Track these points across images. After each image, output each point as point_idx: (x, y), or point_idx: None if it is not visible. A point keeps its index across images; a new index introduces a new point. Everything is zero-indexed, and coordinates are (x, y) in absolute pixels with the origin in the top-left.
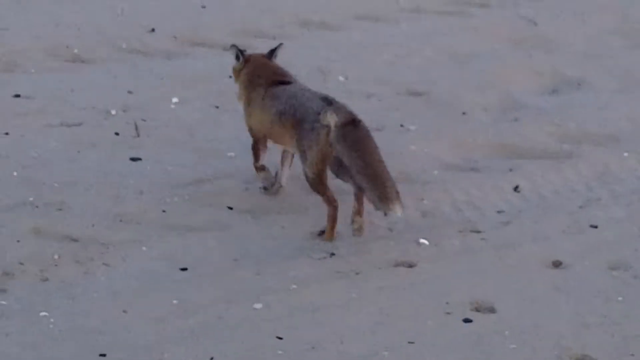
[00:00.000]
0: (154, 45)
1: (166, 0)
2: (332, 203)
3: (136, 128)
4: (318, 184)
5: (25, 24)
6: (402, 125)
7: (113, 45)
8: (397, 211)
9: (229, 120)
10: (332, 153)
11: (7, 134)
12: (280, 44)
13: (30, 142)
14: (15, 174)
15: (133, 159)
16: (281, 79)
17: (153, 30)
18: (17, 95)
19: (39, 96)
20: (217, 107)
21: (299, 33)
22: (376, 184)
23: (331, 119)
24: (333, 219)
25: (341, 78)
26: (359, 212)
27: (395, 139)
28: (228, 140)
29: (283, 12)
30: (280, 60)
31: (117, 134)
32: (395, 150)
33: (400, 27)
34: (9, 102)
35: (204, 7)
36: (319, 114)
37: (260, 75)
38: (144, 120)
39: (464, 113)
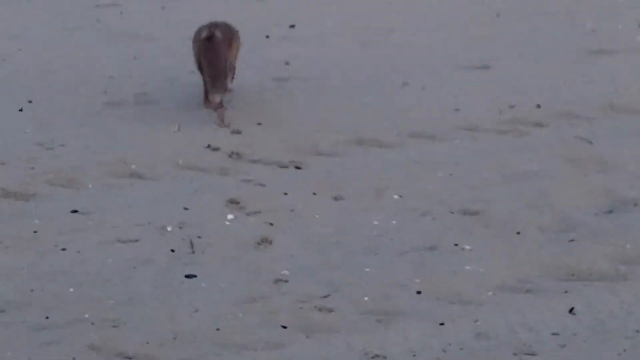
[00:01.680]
0: (210, 162)
1: (228, 117)
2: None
3: (191, 245)
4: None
5: (84, 140)
6: (456, 245)
7: (170, 161)
8: (216, 99)
9: (283, 238)
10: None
11: (64, 249)
12: None
13: (87, 258)
14: (71, 289)
15: (188, 276)
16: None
17: (209, 146)
18: (75, 211)
19: (96, 212)
20: (272, 224)
21: (353, 150)
22: (209, 81)
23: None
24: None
25: (395, 196)
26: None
27: (449, 259)
28: (281, 258)
29: (338, 129)
30: (333, 177)
31: (172, 250)
32: (449, 269)
33: (455, 145)
34: (67, 218)
35: (259, 124)
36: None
37: None
38: (199, 237)
39: (518, 233)
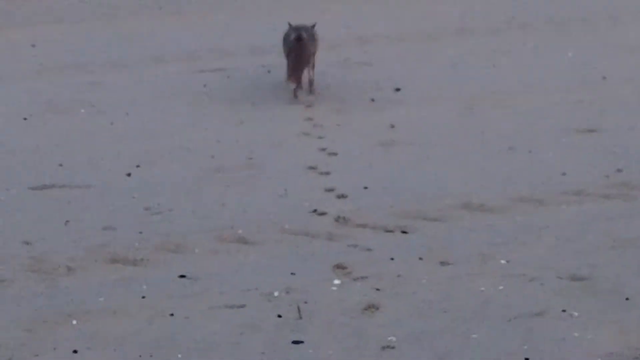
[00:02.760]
0: (316, 227)
1: (330, 182)
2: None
3: (299, 310)
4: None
5: (191, 205)
6: (564, 311)
7: (276, 226)
8: (291, 84)
9: (390, 304)
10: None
11: (172, 315)
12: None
13: (194, 324)
14: (179, 356)
15: (295, 342)
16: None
17: (315, 211)
18: (182, 276)
19: (203, 277)
20: (378, 289)
21: (459, 215)
22: (291, 69)
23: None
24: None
25: (502, 261)
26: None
27: (557, 325)
28: (388, 324)
29: (444, 193)
30: (440, 242)
31: (279, 316)
32: (557, 337)
33: (562, 210)
34: (175, 283)
35: (366, 187)
36: (288, 36)
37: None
38: (306, 303)
39: (627, 299)
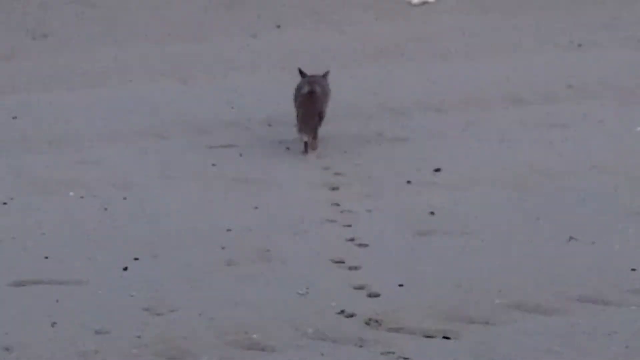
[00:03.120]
0: (344, 331)
1: (360, 278)
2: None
3: None
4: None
5: (198, 304)
6: None
7: (297, 330)
8: (304, 138)
9: None
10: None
11: None
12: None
13: None
14: None
15: None
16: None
17: (343, 312)
18: None
19: None
20: None
21: (510, 317)
22: (300, 123)
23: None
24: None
25: None
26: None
27: None
28: None
29: (492, 292)
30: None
31: None
32: None
33: (631, 312)
34: None
35: (401, 285)
36: (300, 89)
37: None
38: None
39: None
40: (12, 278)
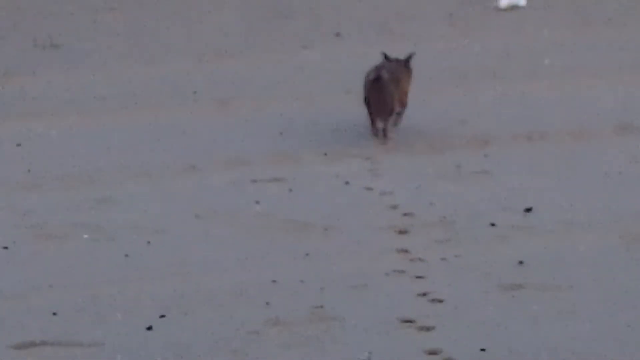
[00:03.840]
0: None
1: (434, 341)
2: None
3: None
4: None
5: None
6: None
7: None
8: (377, 124)
9: None
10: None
11: None
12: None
13: None
14: None
15: None
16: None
17: None
18: None
19: None
20: None
21: None
22: (375, 113)
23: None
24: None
25: None
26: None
27: None
28: None
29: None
30: None
31: None
32: None
33: None
34: None
35: (483, 350)
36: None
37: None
38: None
39: None
40: (15, 339)
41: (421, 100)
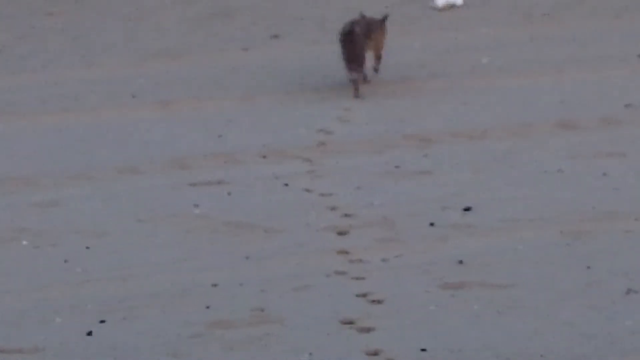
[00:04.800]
0: None
1: (374, 342)
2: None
3: None
4: None
5: None
6: None
7: None
8: (352, 76)
9: None
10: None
11: None
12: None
13: None
14: None
15: None
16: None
17: None
18: None
19: None
20: None
21: None
22: (346, 63)
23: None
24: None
25: None
26: None
27: None
28: None
29: (534, 358)
30: None
31: None
32: None
33: None
34: None
35: (424, 350)
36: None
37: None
38: None
39: None
40: None
41: (360, 98)
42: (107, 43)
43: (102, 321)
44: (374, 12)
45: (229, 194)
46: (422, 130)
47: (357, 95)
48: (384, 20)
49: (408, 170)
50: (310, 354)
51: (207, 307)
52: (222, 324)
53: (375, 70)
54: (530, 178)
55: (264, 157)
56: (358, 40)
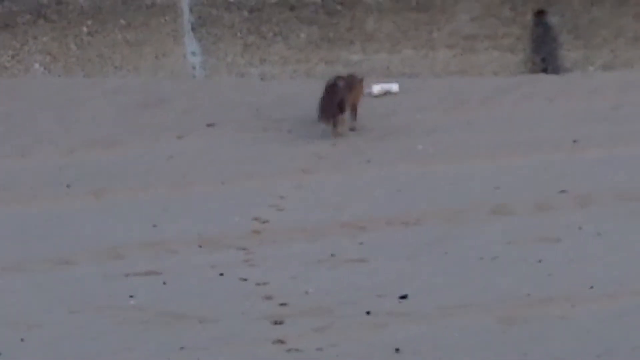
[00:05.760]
0: None
1: None
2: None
3: None
4: None
5: None
6: None
7: None
8: (323, 124)
9: None
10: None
11: None
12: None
13: None
14: None
15: None
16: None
17: None
18: None
19: None
20: None
21: None
22: (319, 111)
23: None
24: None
25: None
26: None
27: None
28: None
29: None
30: None
31: None
32: None
33: None
34: None
35: None
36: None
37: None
38: None
39: None
40: None
41: (295, 185)
42: (41, 133)
43: None
44: (310, 100)
45: (164, 283)
46: (357, 218)
47: (335, 134)
48: (362, 80)
49: (343, 258)
50: None
51: None
52: None
53: (352, 129)
54: (465, 264)
55: (200, 246)
56: (339, 93)
